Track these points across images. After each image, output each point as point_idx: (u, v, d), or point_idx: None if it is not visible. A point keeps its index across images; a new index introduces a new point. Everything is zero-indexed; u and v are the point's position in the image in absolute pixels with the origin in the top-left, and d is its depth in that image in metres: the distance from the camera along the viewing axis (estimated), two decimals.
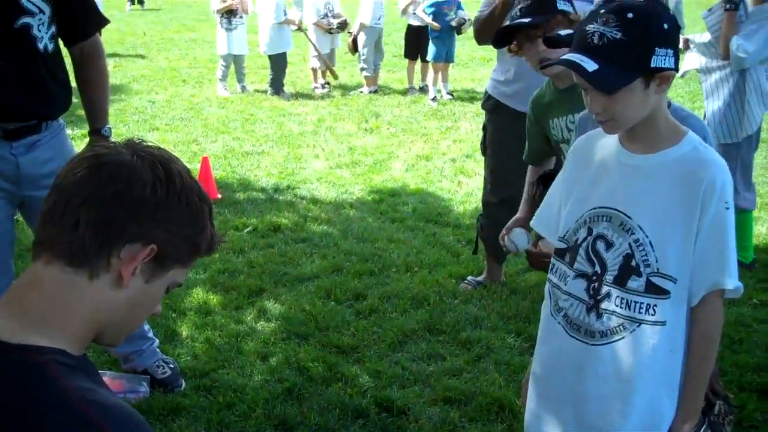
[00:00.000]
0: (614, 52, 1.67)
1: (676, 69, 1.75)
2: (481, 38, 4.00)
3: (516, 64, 3.90)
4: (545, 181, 2.79)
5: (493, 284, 4.40)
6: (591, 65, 1.68)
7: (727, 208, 1.74)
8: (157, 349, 3.42)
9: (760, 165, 6.39)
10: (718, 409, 1.90)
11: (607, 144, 1.87)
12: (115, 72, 10.98)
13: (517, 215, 2.86)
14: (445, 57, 10.02)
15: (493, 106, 4.12)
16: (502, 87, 4.07)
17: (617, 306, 1.79)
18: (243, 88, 10.30)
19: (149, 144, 1.31)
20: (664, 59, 1.69)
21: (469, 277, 4.47)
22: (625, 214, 1.78)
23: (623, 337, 1.79)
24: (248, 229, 5.29)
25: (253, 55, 11.25)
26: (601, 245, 1.82)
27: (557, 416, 1.92)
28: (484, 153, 4.29)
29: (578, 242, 1.86)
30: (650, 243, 1.76)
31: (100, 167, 1.24)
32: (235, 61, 10.22)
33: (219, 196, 5.90)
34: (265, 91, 10.24)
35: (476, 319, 3.97)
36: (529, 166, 3.06)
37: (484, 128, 4.25)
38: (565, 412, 1.90)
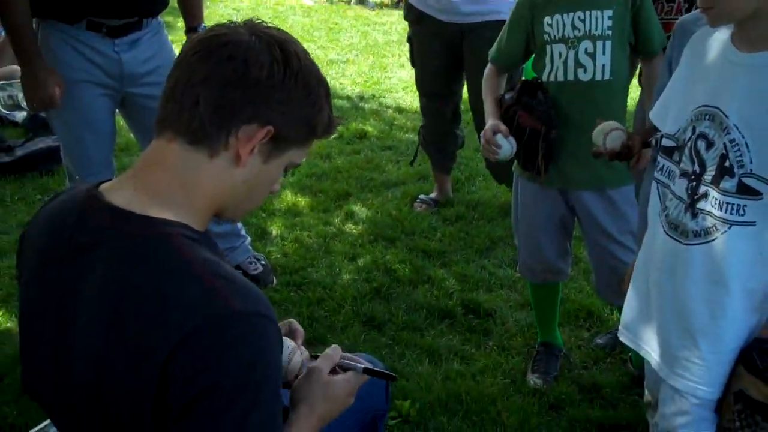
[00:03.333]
0: None
1: None
2: None
3: None
4: (530, 91, 2.55)
5: (445, 198, 4.27)
6: None
7: None
8: (249, 246, 3.52)
9: None
10: None
11: (719, 40, 1.80)
12: None
13: (492, 122, 2.58)
14: None
15: (416, 17, 3.85)
16: None
17: (712, 207, 1.74)
18: None
19: (268, 25, 1.31)
20: None
21: (421, 195, 4.30)
22: (724, 113, 1.72)
23: (715, 238, 1.74)
24: (334, 135, 5.32)
25: None
26: (702, 144, 1.77)
27: (654, 315, 1.92)
28: (413, 65, 4.05)
29: (685, 141, 1.82)
30: (746, 144, 1.68)
31: (219, 47, 1.25)
32: None
33: None
34: (349, 1, 10.14)
35: None
36: (490, 69, 2.72)
37: (410, 40, 3.99)
38: (661, 311, 1.90)
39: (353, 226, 4.01)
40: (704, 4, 1.69)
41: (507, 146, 2.52)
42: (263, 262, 3.51)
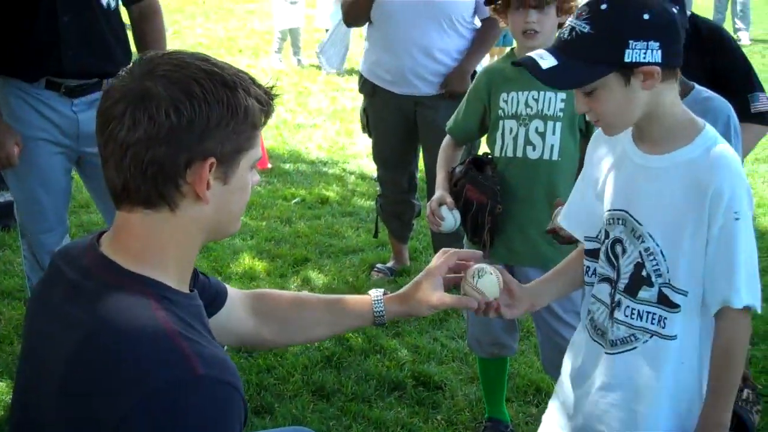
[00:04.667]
0: (581, 47, 1.56)
1: (669, 63, 1.58)
2: (350, 20, 3.91)
3: (381, 43, 3.73)
4: (478, 166, 2.58)
5: (402, 267, 4.29)
6: (550, 62, 1.58)
7: (737, 219, 1.58)
8: None
9: None
10: (746, 396, 1.86)
11: (622, 140, 1.76)
12: (173, 39, 11.11)
13: (439, 193, 2.60)
14: None
15: (370, 89, 3.88)
16: (378, 70, 3.81)
17: (626, 316, 1.72)
18: (299, 62, 10.35)
19: (162, 55, 1.28)
20: (644, 53, 1.53)
21: (378, 264, 4.32)
22: (636, 220, 1.69)
23: (635, 347, 1.72)
24: (296, 200, 5.34)
25: (309, 29, 11.28)
26: (618, 249, 1.74)
27: (569, 421, 1.90)
28: (369, 135, 4.10)
29: (602, 243, 1.80)
30: (661, 252, 1.66)
31: (122, 114, 1.22)
32: (292, 34, 10.26)
33: (269, 165, 5.95)
34: (319, 66, 10.28)
35: None
36: (447, 140, 2.76)
37: (364, 111, 4.03)
38: (575, 418, 1.87)
39: (309, 293, 3.98)
40: (591, 118, 1.68)
41: (450, 219, 2.57)
42: None
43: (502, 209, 2.53)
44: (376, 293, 1.76)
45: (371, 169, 6.11)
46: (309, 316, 1.75)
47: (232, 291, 1.68)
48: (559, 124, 2.49)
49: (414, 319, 3.74)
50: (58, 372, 1.22)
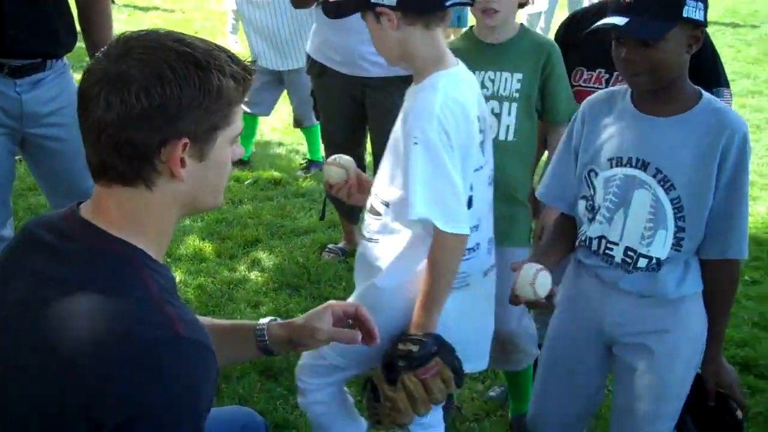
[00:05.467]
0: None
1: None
2: (297, 3, 3.73)
3: (329, 22, 3.53)
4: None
5: (353, 246, 4.24)
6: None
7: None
8: None
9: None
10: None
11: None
12: (129, 21, 10.96)
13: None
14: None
15: (319, 70, 3.82)
16: (326, 50, 3.76)
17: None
18: None
19: (138, 35, 1.30)
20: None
21: (330, 245, 4.34)
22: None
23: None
24: (248, 182, 5.33)
25: None
26: None
27: None
28: (317, 118, 4.09)
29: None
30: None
31: (98, 95, 1.25)
32: None
33: None
34: None
35: None
36: None
37: (312, 94, 3.98)
38: None
39: (259, 274, 4.01)
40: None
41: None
42: None
43: None
44: (264, 321, 1.73)
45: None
46: None
47: None
48: (515, 105, 2.51)
49: None
50: (46, 331, 1.24)
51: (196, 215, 4.57)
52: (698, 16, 1.83)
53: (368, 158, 4.22)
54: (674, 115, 1.93)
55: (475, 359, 2.21)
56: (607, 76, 2.73)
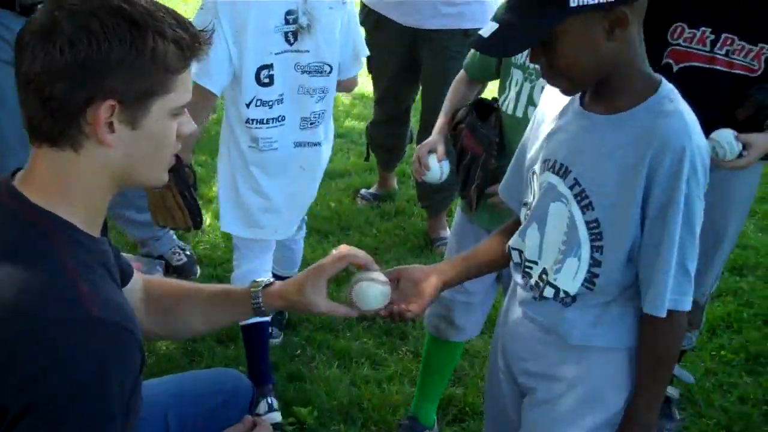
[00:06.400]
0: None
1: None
2: None
3: None
4: (482, 111, 2.25)
5: (387, 192, 4.19)
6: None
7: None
8: (174, 236, 3.43)
9: None
10: None
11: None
12: None
13: (433, 137, 2.33)
14: None
15: (375, 22, 3.50)
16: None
17: None
18: None
19: None
20: None
21: (363, 190, 4.20)
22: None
23: None
24: None
25: None
26: None
27: None
28: (370, 71, 3.81)
29: None
30: None
31: (27, 44, 1.20)
32: None
33: None
34: None
35: None
36: (460, 76, 2.43)
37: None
38: None
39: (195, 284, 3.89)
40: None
41: (436, 170, 2.29)
42: (188, 253, 3.43)
43: (497, 166, 2.17)
44: (257, 285, 1.63)
45: (369, 89, 5.95)
46: (187, 309, 1.64)
47: (137, 275, 1.61)
48: (538, 83, 2.11)
49: (396, 245, 3.69)
50: None
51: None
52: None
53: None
54: (615, 113, 1.49)
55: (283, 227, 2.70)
56: (712, 37, 2.15)
